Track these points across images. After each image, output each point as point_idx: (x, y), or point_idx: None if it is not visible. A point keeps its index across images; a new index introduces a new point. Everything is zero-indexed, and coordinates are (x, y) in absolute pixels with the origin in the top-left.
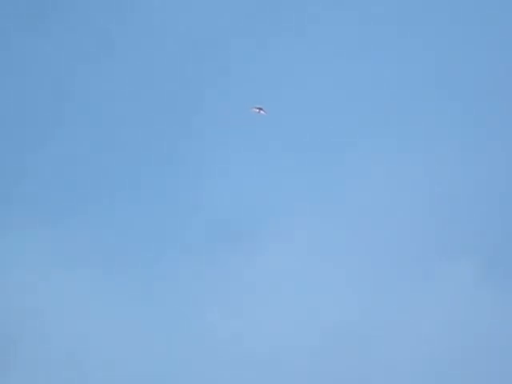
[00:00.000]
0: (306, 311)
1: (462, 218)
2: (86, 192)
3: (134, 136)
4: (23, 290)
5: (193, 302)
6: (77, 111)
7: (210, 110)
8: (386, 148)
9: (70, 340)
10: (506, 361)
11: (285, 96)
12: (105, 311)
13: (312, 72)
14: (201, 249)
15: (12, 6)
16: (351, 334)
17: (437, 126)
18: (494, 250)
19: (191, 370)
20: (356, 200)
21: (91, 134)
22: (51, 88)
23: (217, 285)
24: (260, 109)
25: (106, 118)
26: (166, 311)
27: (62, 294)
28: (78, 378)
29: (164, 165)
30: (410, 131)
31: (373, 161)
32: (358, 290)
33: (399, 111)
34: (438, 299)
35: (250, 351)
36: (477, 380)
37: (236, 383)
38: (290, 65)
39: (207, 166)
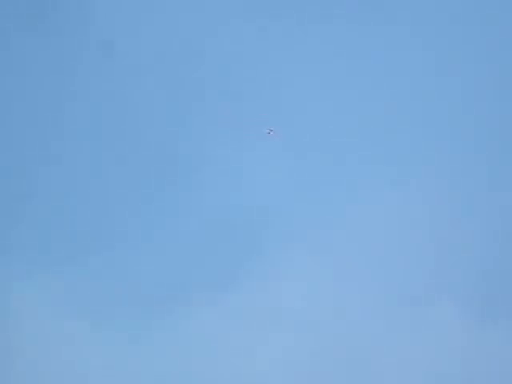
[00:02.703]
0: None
1: (449, 261)
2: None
3: (134, 139)
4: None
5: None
6: (76, 114)
7: (211, 110)
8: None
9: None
10: None
11: (287, 98)
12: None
13: (314, 73)
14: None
15: (12, 7)
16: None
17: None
18: (480, 292)
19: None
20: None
21: (91, 140)
22: (51, 88)
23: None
24: (271, 130)
25: (106, 121)
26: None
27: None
28: None
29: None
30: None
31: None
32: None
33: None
34: (426, 339)
35: (250, 365)
36: None
37: None
38: (291, 66)
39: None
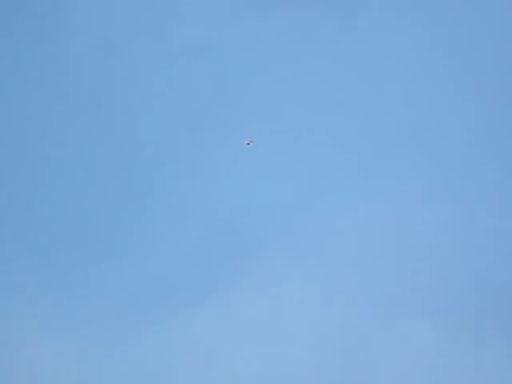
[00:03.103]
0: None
1: (424, 279)
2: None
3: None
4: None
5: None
6: (74, 115)
7: (210, 110)
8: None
9: None
10: None
11: (285, 101)
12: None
13: (314, 74)
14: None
15: (9, 6)
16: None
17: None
18: (456, 311)
19: None
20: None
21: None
22: (48, 91)
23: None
24: (250, 141)
25: (105, 123)
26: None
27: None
28: None
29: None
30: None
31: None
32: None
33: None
34: (400, 359)
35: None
36: None
37: None
38: (291, 66)
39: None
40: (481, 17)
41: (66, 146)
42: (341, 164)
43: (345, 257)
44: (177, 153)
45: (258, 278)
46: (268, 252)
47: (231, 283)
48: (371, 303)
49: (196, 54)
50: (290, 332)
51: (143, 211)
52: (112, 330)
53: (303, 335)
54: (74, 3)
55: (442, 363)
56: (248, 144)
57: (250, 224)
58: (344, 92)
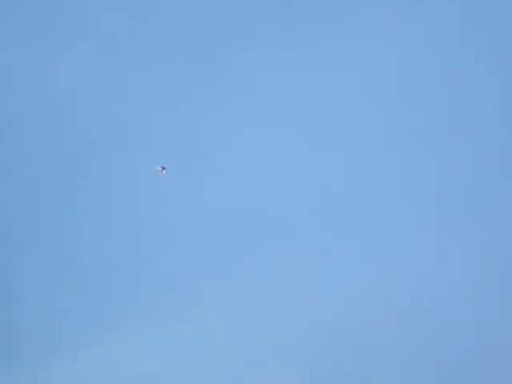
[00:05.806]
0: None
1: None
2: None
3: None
4: None
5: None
6: (75, 116)
7: (210, 110)
8: None
9: None
10: None
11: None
12: None
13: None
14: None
15: (10, 5)
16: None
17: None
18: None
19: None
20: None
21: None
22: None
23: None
24: (163, 168)
25: (105, 122)
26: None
27: None
28: None
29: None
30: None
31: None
32: None
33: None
34: None
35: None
36: None
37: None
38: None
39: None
40: (480, 17)
41: (65, 151)
42: (337, 164)
43: (341, 255)
44: (174, 151)
45: (254, 274)
46: (265, 249)
47: (227, 280)
48: (372, 300)
49: (194, 54)
50: (285, 328)
51: (139, 211)
52: (110, 328)
53: (298, 331)
54: (73, 2)
55: None
56: (161, 171)
57: (247, 223)
58: (343, 94)
